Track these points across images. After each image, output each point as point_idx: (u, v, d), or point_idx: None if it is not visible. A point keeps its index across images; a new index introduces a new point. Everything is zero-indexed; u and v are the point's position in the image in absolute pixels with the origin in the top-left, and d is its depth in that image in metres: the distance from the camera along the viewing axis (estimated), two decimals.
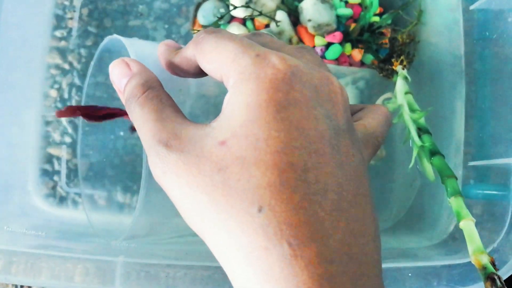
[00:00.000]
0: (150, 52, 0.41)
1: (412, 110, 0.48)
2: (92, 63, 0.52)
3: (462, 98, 0.52)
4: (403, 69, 0.51)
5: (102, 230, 0.47)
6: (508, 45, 0.44)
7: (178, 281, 0.39)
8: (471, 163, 0.48)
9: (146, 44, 0.45)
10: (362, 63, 0.61)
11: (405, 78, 0.51)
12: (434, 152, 0.45)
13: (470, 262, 0.40)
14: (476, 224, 0.38)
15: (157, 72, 0.36)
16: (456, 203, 0.39)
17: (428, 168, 0.46)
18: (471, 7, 0.50)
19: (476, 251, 0.35)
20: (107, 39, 0.46)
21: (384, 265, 0.41)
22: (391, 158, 0.56)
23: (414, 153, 0.46)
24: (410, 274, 0.39)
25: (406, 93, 0.49)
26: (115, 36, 0.43)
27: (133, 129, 0.52)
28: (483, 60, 0.48)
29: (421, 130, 0.47)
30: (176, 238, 0.46)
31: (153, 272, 0.39)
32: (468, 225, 0.37)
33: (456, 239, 0.47)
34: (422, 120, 0.48)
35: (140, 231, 0.40)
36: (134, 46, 0.40)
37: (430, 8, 0.57)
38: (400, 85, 0.50)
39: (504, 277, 0.40)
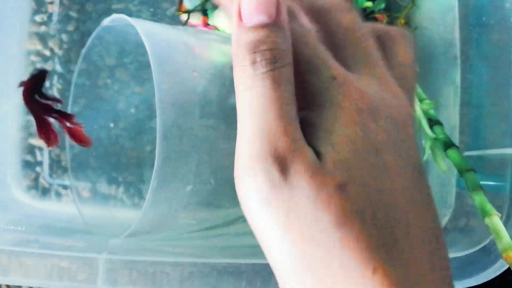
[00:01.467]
0: (161, 32, 0.39)
1: (420, 100, 0.47)
2: (84, 50, 0.50)
3: (456, 85, 0.51)
4: None
5: (95, 226, 0.45)
6: (505, 31, 0.42)
7: (164, 278, 0.37)
8: (467, 153, 0.46)
9: (155, 25, 0.43)
10: None
11: None
12: (448, 145, 0.44)
13: (466, 255, 0.39)
14: (473, 216, 0.37)
15: (171, 53, 0.34)
16: (478, 198, 0.39)
17: (441, 160, 0.44)
18: None
19: (506, 247, 0.35)
20: (108, 20, 0.44)
21: None
22: None
23: (427, 146, 0.45)
24: None
25: None
26: (121, 15, 0.41)
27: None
28: (479, 46, 0.46)
29: (431, 121, 0.46)
30: (186, 234, 0.44)
31: (139, 269, 0.37)
32: (494, 221, 0.36)
33: (449, 232, 0.46)
34: (431, 111, 0.46)
35: (145, 227, 0.38)
36: (143, 25, 0.38)
37: None
38: None
39: None
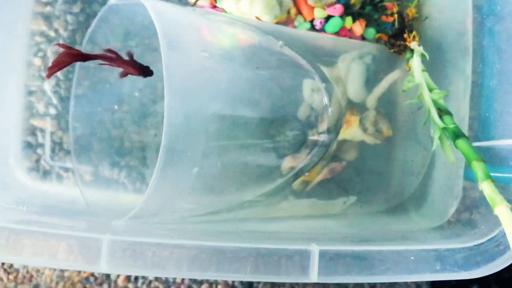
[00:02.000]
0: (170, 11, 0.38)
1: (430, 89, 0.46)
2: (90, 29, 0.49)
3: (466, 76, 0.50)
4: (419, 45, 0.49)
5: (97, 208, 0.45)
6: None
7: (164, 260, 0.37)
8: (476, 144, 0.46)
9: (164, 3, 0.43)
10: (363, 38, 0.59)
11: (422, 55, 0.49)
12: (458, 135, 0.43)
13: (474, 246, 0.39)
14: (482, 207, 0.37)
15: (180, 32, 0.33)
16: (488, 188, 0.38)
17: (449, 150, 0.44)
18: None
19: None
20: None
21: (385, 248, 0.39)
22: (398, 137, 0.54)
23: (436, 135, 0.45)
24: (412, 258, 0.37)
25: (422, 71, 0.47)
26: None
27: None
28: (492, 36, 0.46)
29: (441, 111, 0.45)
30: (189, 218, 0.44)
31: (140, 251, 0.37)
32: (504, 212, 0.36)
33: (457, 223, 0.45)
34: (441, 101, 0.46)
35: (150, 209, 0.38)
36: (152, 4, 0.37)
37: None
38: (417, 62, 0.48)
39: None
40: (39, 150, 0.59)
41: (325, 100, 0.50)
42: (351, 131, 0.54)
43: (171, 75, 0.36)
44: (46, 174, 0.58)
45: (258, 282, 0.52)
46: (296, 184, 0.52)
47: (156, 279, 0.54)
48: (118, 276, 0.55)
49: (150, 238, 0.36)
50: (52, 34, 0.60)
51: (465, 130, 0.47)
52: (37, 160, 0.59)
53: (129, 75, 0.50)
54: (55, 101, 0.60)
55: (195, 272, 0.36)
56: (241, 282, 0.54)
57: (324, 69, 0.51)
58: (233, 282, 0.50)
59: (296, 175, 0.50)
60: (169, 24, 0.38)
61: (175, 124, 0.36)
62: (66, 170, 0.59)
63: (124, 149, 0.59)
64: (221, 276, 0.36)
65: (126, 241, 0.36)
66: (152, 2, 0.39)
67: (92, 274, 0.56)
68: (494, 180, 0.40)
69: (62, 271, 0.57)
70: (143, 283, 0.56)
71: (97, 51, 0.57)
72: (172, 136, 0.36)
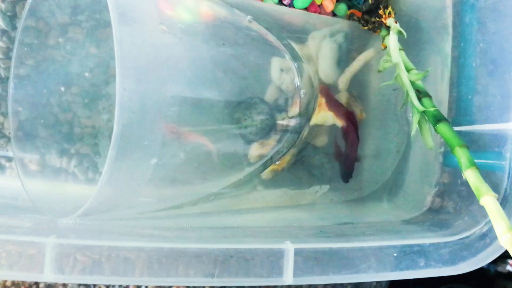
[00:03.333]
0: None
1: (407, 69, 0.43)
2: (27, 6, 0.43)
3: (445, 55, 0.47)
4: (395, 22, 0.46)
5: (43, 204, 0.39)
6: None
7: (123, 265, 0.32)
8: (457, 129, 0.43)
9: None
10: (334, 14, 0.55)
11: (399, 32, 0.45)
12: (438, 119, 0.40)
13: (459, 239, 0.36)
14: (466, 198, 0.34)
15: (141, 6, 0.29)
16: (473, 176, 0.35)
17: (428, 135, 0.41)
18: None
19: (504, 230, 0.31)
20: None
21: (366, 244, 0.36)
22: (371, 121, 0.51)
23: (415, 119, 0.41)
24: (395, 254, 0.34)
25: (399, 49, 0.44)
26: None
27: None
28: (475, 12, 0.43)
29: (420, 93, 0.42)
30: (147, 213, 0.39)
31: (93, 255, 0.32)
32: (490, 202, 0.33)
33: (437, 212, 0.43)
34: (420, 82, 0.42)
35: (102, 204, 0.33)
36: None
37: None
38: (394, 41, 0.44)
39: None
40: None
41: (297, 80, 0.46)
42: (323, 114, 0.51)
43: (123, 52, 0.31)
44: None
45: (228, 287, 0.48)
46: (265, 173, 0.48)
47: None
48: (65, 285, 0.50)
49: (102, 240, 0.31)
50: None
51: (444, 114, 0.44)
52: None
53: None
54: None
55: (154, 278, 0.31)
56: None
57: (295, 46, 0.47)
58: None
59: (265, 164, 0.46)
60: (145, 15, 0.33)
61: (129, 107, 0.31)
62: (9, 159, 0.53)
63: (74, 135, 0.53)
64: (185, 281, 0.31)
65: (74, 244, 0.31)
66: None
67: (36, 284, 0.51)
68: (478, 168, 0.37)
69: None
70: None
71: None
72: (126, 122, 0.31)
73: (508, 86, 0.37)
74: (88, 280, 0.32)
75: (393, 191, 0.49)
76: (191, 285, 0.34)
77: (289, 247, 0.33)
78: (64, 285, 0.52)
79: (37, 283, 0.49)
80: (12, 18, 0.54)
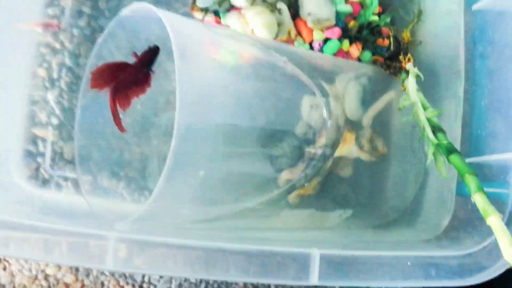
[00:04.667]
0: (182, 22, 0.40)
1: (424, 108, 0.49)
2: (100, 40, 0.51)
3: (459, 97, 0.52)
4: (414, 67, 0.52)
5: (100, 211, 0.45)
6: (509, 44, 0.44)
7: (170, 260, 0.37)
8: (468, 160, 0.48)
9: (176, 15, 0.44)
10: (359, 60, 0.61)
11: (417, 76, 0.51)
12: (451, 150, 0.45)
13: (467, 254, 0.40)
14: (475, 220, 0.38)
15: (192, 42, 0.35)
16: (481, 200, 0.40)
17: (442, 165, 0.46)
18: (474, 7, 0.50)
19: (508, 245, 0.36)
20: (129, 9, 0.45)
21: (382, 253, 0.41)
22: (392, 155, 0.56)
23: (430, 151, 0.47)
24: (409, 263, 0.39)
25: (417, 91, 0.50)
26: (143, 3, 0.42)
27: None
28: (483, 59, 0.48)
29: (435, 128, 0.47)
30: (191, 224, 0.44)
31: (145, 249, 0.37)
32: (495, 221, 0.38)
33: (451, 233, 0.47)
34: (435, 119, 0.48)
35: (155, 211, 0.38)
36: (165, 14, 0.39)
37: (429, 8, 0.58)
38: (412, 83, 0.50)
39: None
40: (39, 159, 0.60)
41: (325, 115, 0.52)
42: (348, 148, 0.56)
43: (182, 86, 0.38)
44: (45, 182, 0.59)
45: (258, 285, 0.53)
46: (292, 197, 0.53)
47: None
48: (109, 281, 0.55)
49: (156, 236, 0.37)
50: (57, 46, 0.61)
51: (457, 147, 0.50)
52: (37, 169, 0.59)
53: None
54: (57, 111, 0.61)
55: (199, 272, 0.37)
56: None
57: (325, 86, 0.53)
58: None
59: (292, 188, 0.52)
60: (181, 35, 0.40)
61: (185, 126, 0.37)
62: (65, 179, 0.60)
63: (124, 160, 0.60)
64: (226, 276, 0.37)
65: (132, 239, 0.37)
66: (165, 12, 0.41)
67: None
68: (485, 192, 0.41)
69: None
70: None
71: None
72: (182, 138, 0.37)
73: (510, 121, 0.42)
74: (144, 271, 0.37)
75: (413, 218, 0.54)
76: (231, 280, 0.39)
77: (315, 252, 0.38)
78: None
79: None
80: (76, 57, 0.62)
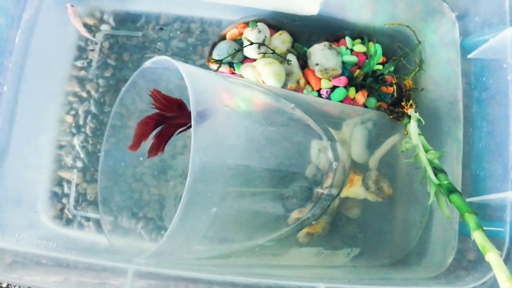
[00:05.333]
0: (199, 73, 0.44)
1: (426, 150, 0.51)
2: (124, 89, 0.55)
3: (459, 141, 0.55)
4: (415, 112, 0.55)
5: (119, 248, 0.49)
6: (503, 89, 0.47)
7: None
8: (468, 200, 0.50)
9: (193, 67, 0.49)
10: (365, 106, 0.65)
11: (419, 120, 0.54)
12: (451, 190, 0.47)
13: None
14: (475, 257, 0.40)
15: (212, 93, 0.38)
16: (480, 237, 0.42)
17: (444, 205, 0.48)
18: (469, 56, 0.54)
19: (505, 280, 0.38)
20: (151, 61, 0.49)
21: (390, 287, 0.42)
22: (398, 196, 0.58)
23: (432, 191, 0.49)
24: None
25: (419, 134, 0.53)
26: (163, 57, 0.46)
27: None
28: (479, 104, 0.52)
29: (436, 169, 0.50)
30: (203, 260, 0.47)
31: (161, 282, 0.40)
32: (493, 257, 0.40)
33: (454, 269, 0.49)
34: (436, 160, 0.51)
35: (170, 247, 0.41)
36: (183, 66, 0.43)
37: (429, 57, 0.61)
38: (414, 127, 0.53)
39: None
40: (64, 200, 0.63)
41: (331, 157, 0.55)
42: (355, 189, 0.59)
43: (198, 125, 0.42)
44: (68, 222, 0.62)
45: None
46: (301, 236, 0.56)
47: None
48: None
49: (171, 269, 0.40)
50: (84, 95, 0.66)
51: (459, 188, 0.52)
52: (62, 209, 0.63)
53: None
54: (82, 155, 0.65)
55: None
56: None
57: (332, 131, 0.57)
58: None
59: (300, 226, 0.54)
60: (197, 83, 0.44)
61: (198, 167, 0.41)
62: (88, 219, 0.63)
63: (143, 201, 0.63)
64: None
65: (149, 271, 0.39)
66: (182, 64, 0.45)
67: None
68: (484, 230, 0.43)
69: None
70: None
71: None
72: (196, 178, 0.40)
73: (506, 162, 0.45)
74: None
75: (419, 257, 0.56)
76: None
77: (321, 286, 0.40)
78: None
79: None
80: (101, 104, 0.67)
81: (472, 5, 0.54)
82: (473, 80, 0.53)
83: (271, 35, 0.65)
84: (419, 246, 0.56)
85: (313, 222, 0.55)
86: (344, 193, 0.58)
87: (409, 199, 0.58)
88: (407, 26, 0.61)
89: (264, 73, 0.60)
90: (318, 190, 0.55)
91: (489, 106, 0.50)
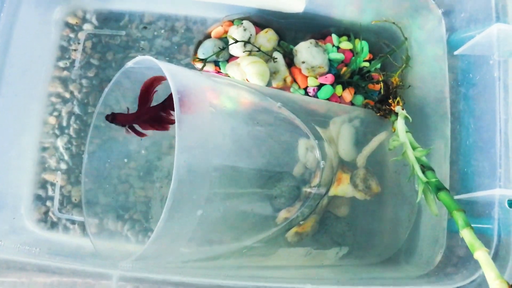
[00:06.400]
0: (182, 72, 0.43)
1: (413, 148, 0.51)
2: (106, 89, 0.54)
3: (446, 139, 0.55)
4: (402, 109, 0.54)
5: (105, 252, 0.48)
6: (489, 86, 0.47)
7: None
8: (457, 197, 0.50)
9: (177, 66, 0.48)
10: (352, 104, 0.64)
11: (406, 117, 0.54)
12: (439, 188, 0.47)
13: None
14: (464, 255, 0.40)
15: (196, 93, 0.38)
16: (468, 235, 0.42)
17: (433, 202, 0.48)
18: (456, 52, 0.54)
19: (494, 278, 0.37)
20: (133, 61, 0.49)
21: None
22: (386, 194, 0.58)
23: (420, 189, 0.49)
24: None
25: (406, 131, 0.52)
26: (146, 57, 0.45)
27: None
28: (467, 100, 0.51)
29: (424, 167, 0.50)
30: (190, 263, 0.46)
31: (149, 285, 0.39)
32: (482, 255, 0.39)
33: (443, 268, 0.48)
34: (424, 158, 0.50)
35: (156, 250, 0.41)
36: (166, 65, 0.42)
37: (416, 55, 0.61)
38: (401, 124, 0.53)
39: None
40: (48, 203, 0.62)
41: (318, 155, 0.55)
42: (343, 187, 0.58)
43: (182, 130, 0.41)
44: (53, 225, 0.61)
45: None
46: (290, 235, 0.55)
47: None
48: None
49: (156, 274, 0.39)
50: (67, 95, 0.65)
51: (447, 185, 0.52)
52: (46, 212, 0.62)
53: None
54: (66, 157, 0.64)
55: None
56: None
57: (319, 129, 0.56)
58: None
59: (289, 225, 0.54)
60: (181, 83, 0.43)
61: (183, 168, 0.40)
62: (73, 222, 0.62)
63: (129, 203, 0.62)
64: None
65: (134, 276, 0.39)
66: (165, 63, 0.44)
67: None
68: (473, 228, 0.43)
69: None
70: None
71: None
72: (181, 180, 0.40)
73: (493, 158, 0.44)
74: None
75: (407, 255, 0.55)
76: None
77: (309, 287, 0.40)
78: None
79: None
80: (84, 105, 0.65)
81: (458, 1, 0.53)
82: (460, 77, 0.53)
83: (257, 33, 0.64)
84: (408, 244, 0.56)
85: (302, 222, 0.55)
86: (332, 192, 0.57)
87: (397, 197, 0.58)
88: (393, 23, 0.60)
89: (248, 72, 0.60)
90: (306, 189, 0.55)
91: (476, 103, 0.49)
